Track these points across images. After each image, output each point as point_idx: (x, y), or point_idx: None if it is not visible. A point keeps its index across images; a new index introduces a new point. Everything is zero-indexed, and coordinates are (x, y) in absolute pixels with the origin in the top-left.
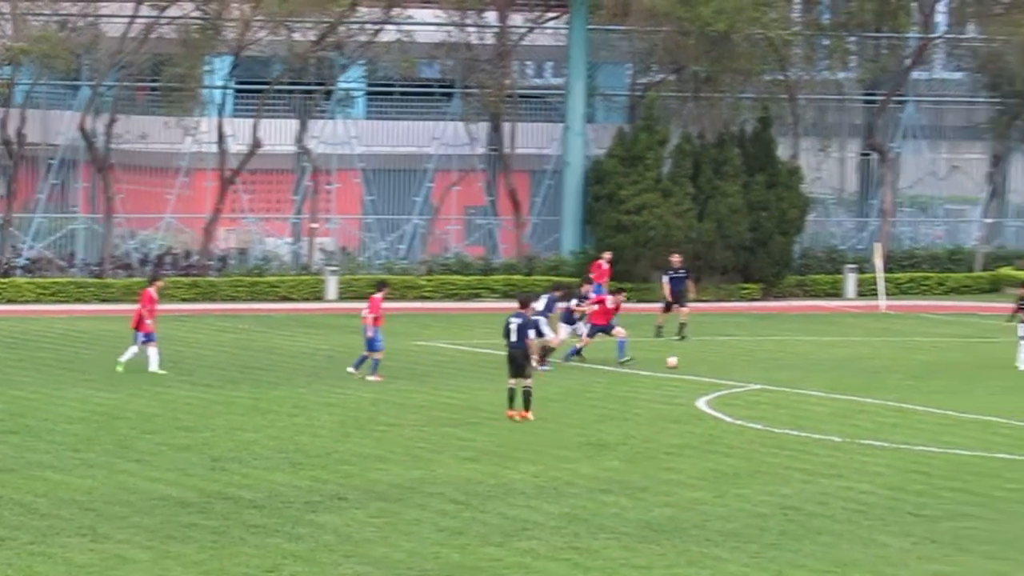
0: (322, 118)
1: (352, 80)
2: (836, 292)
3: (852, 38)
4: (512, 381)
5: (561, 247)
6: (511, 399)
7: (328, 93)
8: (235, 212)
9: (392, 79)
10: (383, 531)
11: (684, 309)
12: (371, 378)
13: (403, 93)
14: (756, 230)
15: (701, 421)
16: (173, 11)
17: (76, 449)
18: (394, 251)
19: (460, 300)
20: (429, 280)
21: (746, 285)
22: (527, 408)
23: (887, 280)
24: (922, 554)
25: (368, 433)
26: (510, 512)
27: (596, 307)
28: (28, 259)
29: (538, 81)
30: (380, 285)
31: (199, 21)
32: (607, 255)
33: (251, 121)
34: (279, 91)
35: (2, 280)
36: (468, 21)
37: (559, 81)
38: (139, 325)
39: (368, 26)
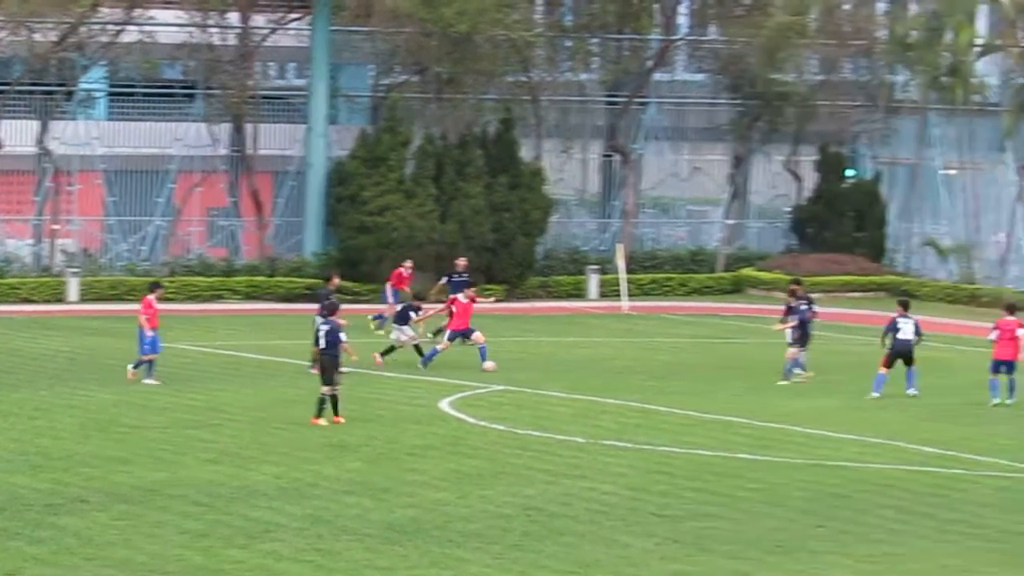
0: (63, 119)
1: (94, 81)
2: (578, 293)
3: (594, 40)
4: (325, 389)
5: (304, 248)
6: (321, 406)
7: (69, 94)
8: None
9: (134, 80)
10: (125, 533)
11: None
12: (147, 381)
13: (145, 94)
14: (499, 231)
15: (444, 422)
16: None
17: None
18: (136, 252)
19: (202, 302)
20: (172, 281)
21: (489, 286)
22: (336, 412)
23: (629, 281)
24: (664, 554)
25: (110, 435)
26: (253, 514)
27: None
28: None
29: (280, 82)
30: (153, 286)
31: None
32: (408, 263)
33: None
34: (19, 92)
35: None
36: (210, 22)
37: (302, 82)
38: None
39: (110, 27)
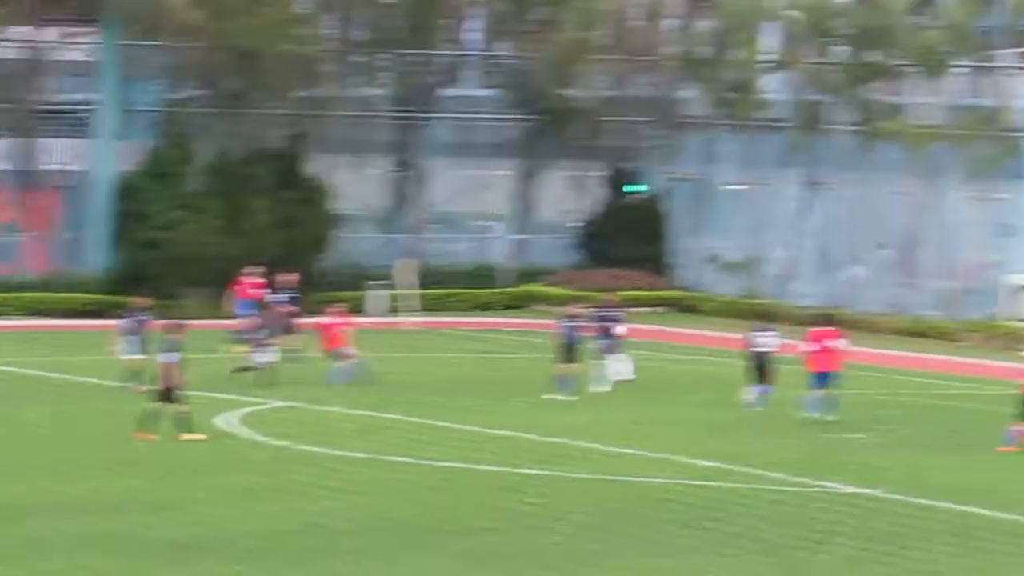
0: None
1: None
2: (362, 309)
3: (384, 55)
4: (158, 404)
5: (89, 263)
6: (147, 420)
7: None
8: None
9: None
10: None
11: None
12: None
13: None
14: (286, 246)
15: (228, 439)
16: None
17: None
18: None
19: None
20: None
21: None
22: (186, 431)
23: (415, 296)
24: (446, 570)
25: None
26: (25, 532)
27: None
28: None
29: (67, 96)
30: None
31: None
32: (251, 269)
33: None
34: None
35: None
36: None
37: (89, 96)
38: None
39: None
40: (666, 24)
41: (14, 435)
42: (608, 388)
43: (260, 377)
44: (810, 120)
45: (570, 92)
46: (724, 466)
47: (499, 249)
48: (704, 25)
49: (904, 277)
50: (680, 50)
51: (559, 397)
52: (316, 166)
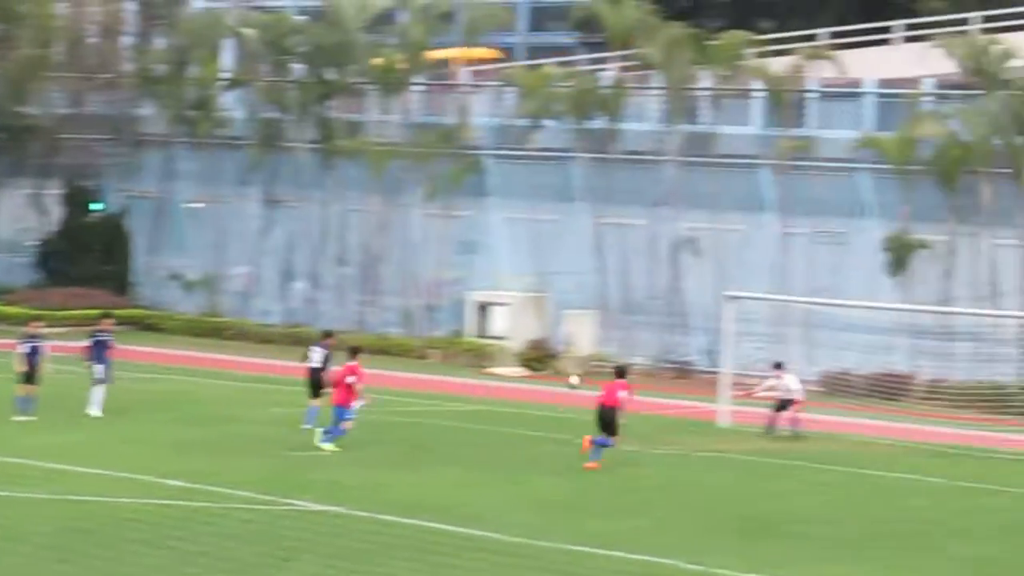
0: None
1: None
2: None
3: None
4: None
5: None
6: None
7: None
8: None
9: None
10: None
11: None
12: None
13: None
14: None
15: None
16: None
17: None
18: None
19: None
20: None
21: None
22: None
23: None
24: None
25: None
26: None
27: None
28: None
29: None
30: None
31: None
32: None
33: None
34: None
35: None
36: None
37: None
38: None
39: None
40: (123, 41)
41: None
42: (100, 413)
43: None
44: (269, 137)
45: (27, 109)
46: (191, 485)
47: None
48: (162, 43)
49: (366, 295)
50: (137, 67)
51: (20, 418)
52: None
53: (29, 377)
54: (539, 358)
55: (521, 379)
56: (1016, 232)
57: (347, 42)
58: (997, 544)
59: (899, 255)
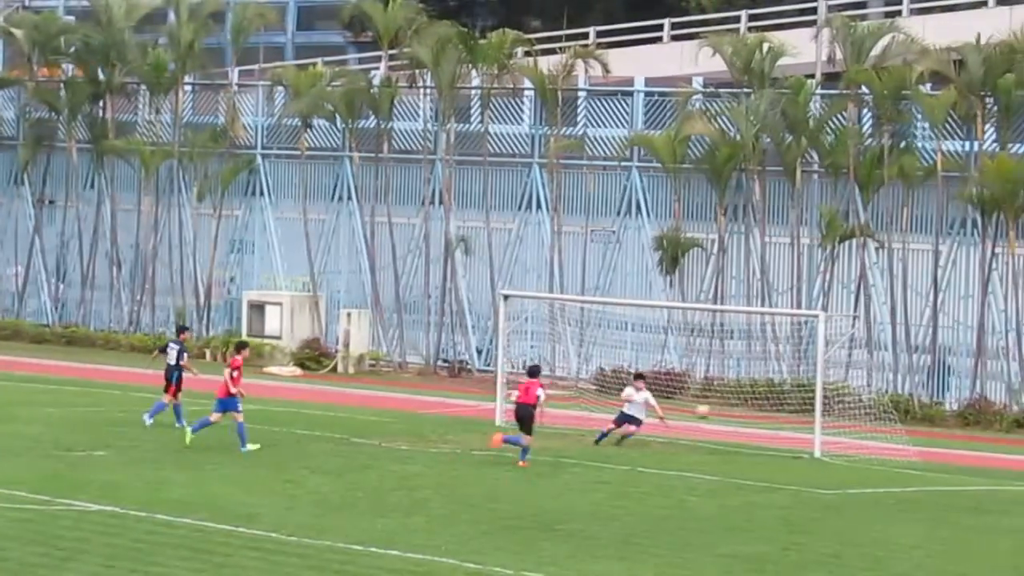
0: None
1: None
2: None
3: None
4: None
5: None
6: None
7: None
8: None
9: None
10: None
11: None
12: None
13: None
14: None
15: None
16: None
17: None
18: None
19: None
20: None
21: None
22: None
23: None
24: None
25: None
26: None
27: None
28: None
29: None
30: None
31: None
32: None
33: None
34: None
35: None
36: None
37: None
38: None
39: None
40: None
41: None
42: None
43: None
44: (40, 138)
45: None
46: None
47: None
48: None
49: (140, 295)
50: None
51: None
52: None
53: None
54: (313, 357)
55: (296, 379)
56: (787, 230)
57: (117, 42)
58: (768, 542)
59: (671, 254)
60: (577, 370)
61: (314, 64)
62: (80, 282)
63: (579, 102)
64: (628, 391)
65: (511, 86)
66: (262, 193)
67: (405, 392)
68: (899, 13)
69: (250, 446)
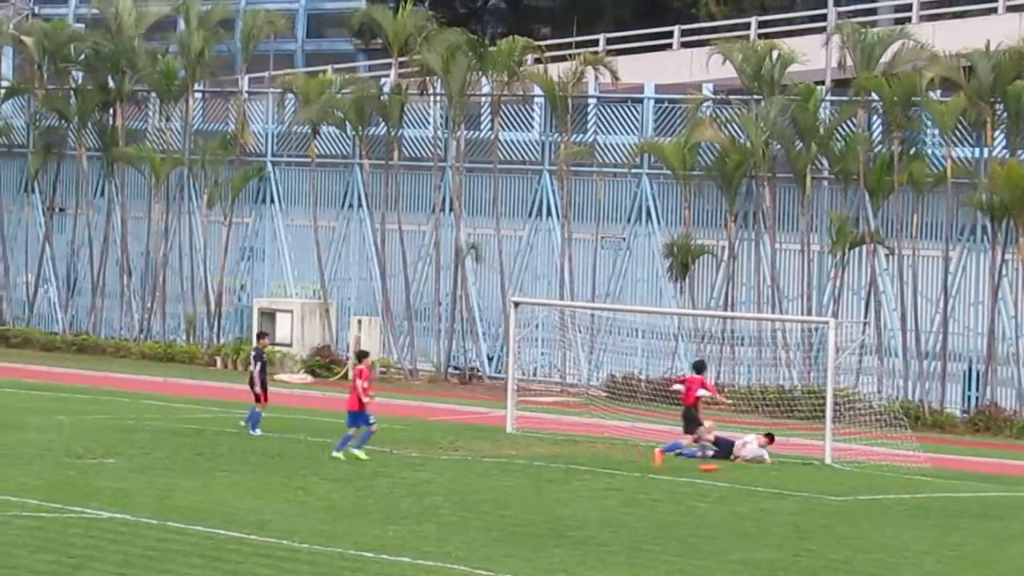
0: None
1: None
2: None
3: None
4: None
5: None
6: None
7: None
8: None
9: None
10: None
11: None
12: None
13: None
14: None
15: None
16: None
17: None
18: None
19: None
20: None
21: None
22: None
23: None
24: None
25: None
26: None
27: None
28: None
29: None
30: None
31: None
32: None
33: None
34: None
35: None
36: None
37: None
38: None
39: None
40: None
41: None
42: None
43: None
44: (50, 146)
45: None
46: None
47: None
48: None
49: (150, 303)
50: None
51: None
52: None
53: None
54: (324, 365)
55: (306, 386)
56: (798, 237)
57: (127, 49)
58: (777, 548)
59: (682, 260)
60: (588, 377)
61: (324, 71)
62: (90, 290)
63: (589, 109)
64: (751, 437)
65: (521, 93)
66: (272, 200)
67: (415, 399)
68: (909, 20)
69: (361, 453)
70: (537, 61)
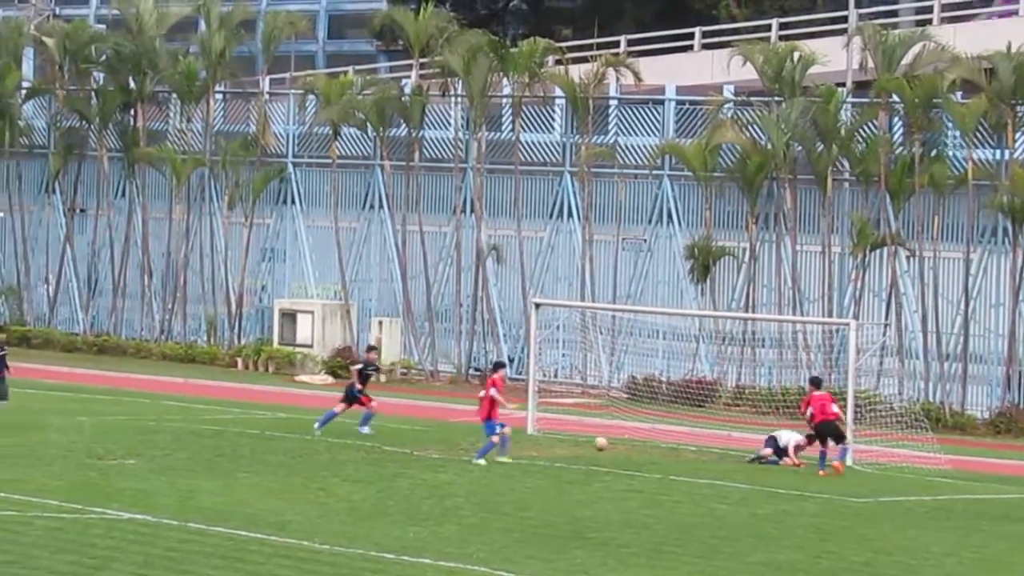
0: None
1: None
2: None
3: None
4: None
5: None
6: None
7: None
8: None
9: None
10: None
11: None
12: None
13: None
14: None
15: None
16: None
17: None
18: None
19: None
20: None
21: None
22: None
23: None
24: None
25: None
26: None
27: None
28: None
29: None
30: None
31: None
32: None
33: None
34: None
35: None
36: None
37: None
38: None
39: None
40: None
41: None
42: None
43: None
44: (71, 146)
45: None
46: None
47: None
48: None
49: (171, 304)
50: None
51: None
52: None
53: None
54: (345, 366)
55: (327, 387)
56: (818, 238)
57: (148, 50)
58: (799, 550)
59: (703, 262)
60: (609, 378)
61: (345, 72)
62: (111, 290)
63: (610, 110)
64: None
65: (542, 94)
66: (293, 201)
67: (436, 400)
68: (930, 21)
69: (482, 461)
70: (558, 62)
